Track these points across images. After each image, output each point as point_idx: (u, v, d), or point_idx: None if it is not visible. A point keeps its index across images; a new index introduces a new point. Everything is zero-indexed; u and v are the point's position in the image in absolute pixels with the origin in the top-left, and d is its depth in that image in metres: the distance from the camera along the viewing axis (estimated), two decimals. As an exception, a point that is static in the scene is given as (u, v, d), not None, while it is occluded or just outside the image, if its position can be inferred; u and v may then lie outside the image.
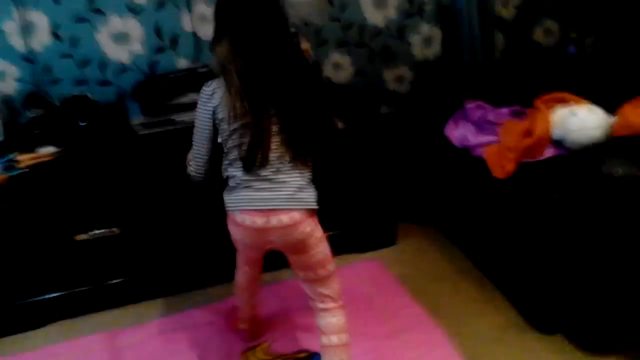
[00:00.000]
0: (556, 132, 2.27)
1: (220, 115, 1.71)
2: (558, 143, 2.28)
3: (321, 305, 1.84)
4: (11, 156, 2.30)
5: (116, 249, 2.38)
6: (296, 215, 1.71)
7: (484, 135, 2.46)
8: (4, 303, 2.33)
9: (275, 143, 1.69)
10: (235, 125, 1.67)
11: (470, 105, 2.60)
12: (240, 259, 2.00)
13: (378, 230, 2.70)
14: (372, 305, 2.37)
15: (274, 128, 1.68)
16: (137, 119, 2.48)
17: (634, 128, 2.13)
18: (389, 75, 3.13)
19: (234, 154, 1.71)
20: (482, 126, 2.50)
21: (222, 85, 1.68)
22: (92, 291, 2.42)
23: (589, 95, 2.44)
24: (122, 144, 2.41)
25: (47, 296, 2.37)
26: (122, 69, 2.76)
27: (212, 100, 1.72)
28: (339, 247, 2.62)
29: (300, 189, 1.72)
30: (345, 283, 2.25)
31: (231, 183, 1.77)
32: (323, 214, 1.95)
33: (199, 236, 2.47)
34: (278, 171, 1.70)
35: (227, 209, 1.77)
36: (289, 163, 1.71)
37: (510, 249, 2.27)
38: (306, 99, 1.71)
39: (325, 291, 1.83)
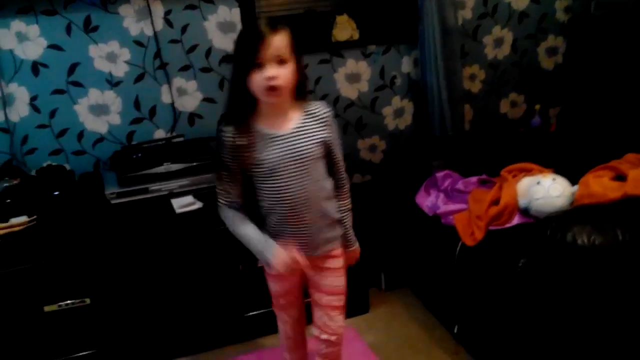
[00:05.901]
0: (522, 201, 2.33)
1: None
2: (524, 211, 2.34)
3: None
4: (-17, 226, 2.31)
5: (86, 320, 2.35)
6: None
7: (454, 204, 2.51)
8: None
9: None
10: None
11: (439, 174, 2.68)
12: None
13: (351, 298, 2.69)
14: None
15: None
16: (112, 189, 2.50)
17: (595, 197, 2.19)
18: (362, 144, 3.22)
19: None
20: (451, 194, 2.57)
21: None
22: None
23: (553, 165, 2.53)
24: (94, 213, 2.42)
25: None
26: (99, 138, 2.81)
27: None
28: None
29: None
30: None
31: None
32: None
33: (170, 307, 2.45)
34: None
35: None
36: None
37: (480, 315, 2.29)
38: None
39: None
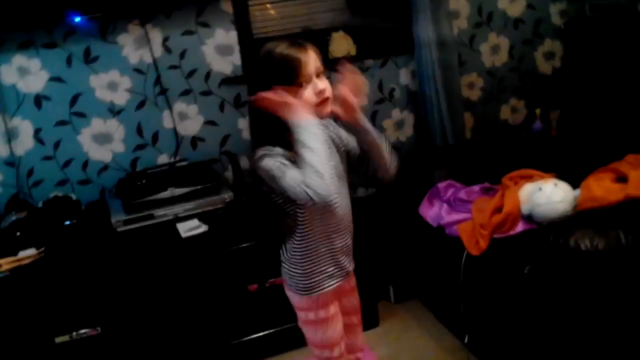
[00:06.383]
0: (525, 207, 2.33)
1: None
2: (528, 218, 2.34)
3: None
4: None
5: (98, 349, 2.36)
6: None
7: (457, 213, 2.52)
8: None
9: None
10: None
11: (442, 184, 2.68)
12: None
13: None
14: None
15: None
16: (118, 216, 2.53)
17: (598, 201, 2.19)
18: (364, 158, 3.22)
19: None
20: (454, 204, 2.57)
21: None
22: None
23: (555, 169, 2.53)
24: (101, 242, 2.45)
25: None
26: (104, 167, 2.84)
27: None
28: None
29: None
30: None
31: None
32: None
33: (180, 332, 2.46)
34: None
35: None
36: None
37: (490, 323, 2.28)
38: None
39: None
